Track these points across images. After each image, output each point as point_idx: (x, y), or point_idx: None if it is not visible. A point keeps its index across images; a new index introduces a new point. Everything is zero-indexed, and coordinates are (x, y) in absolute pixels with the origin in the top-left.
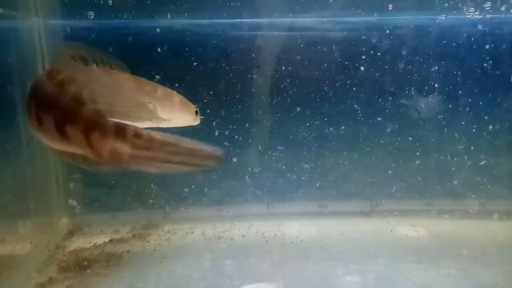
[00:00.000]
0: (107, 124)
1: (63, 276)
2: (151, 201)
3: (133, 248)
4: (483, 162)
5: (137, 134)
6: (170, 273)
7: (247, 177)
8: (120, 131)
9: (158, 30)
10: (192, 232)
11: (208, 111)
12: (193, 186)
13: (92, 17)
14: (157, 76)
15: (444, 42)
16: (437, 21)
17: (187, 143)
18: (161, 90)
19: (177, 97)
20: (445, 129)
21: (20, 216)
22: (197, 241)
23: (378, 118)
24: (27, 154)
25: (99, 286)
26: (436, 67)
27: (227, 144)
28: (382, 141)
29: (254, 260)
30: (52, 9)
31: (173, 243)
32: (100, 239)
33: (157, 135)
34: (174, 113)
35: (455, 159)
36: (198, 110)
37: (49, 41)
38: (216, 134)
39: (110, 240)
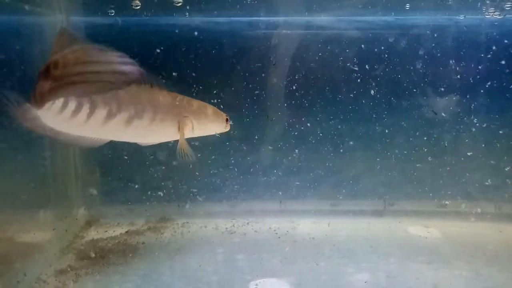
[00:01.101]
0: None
1: (81, 264)
2: (166, 195)
3: (148, 240)
4: (500, 164)
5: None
6: (183, 265)
7: (260, 174)
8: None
9: (176, 27)
10: (206, 227)
11: (222, 107)
12: (207, 181)
13: (112, 14)
14: (174, 73)
15: (462, 42)
16: (456, 21)
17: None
18: (196, 103)
19: (210, 109)
20: (461, 130)
21: (40, 205)
22: (210, 236)
23: (394, 118)
24: (47, 146)
25: (115, 274)
26: (453, 67)
27: (242, 140)
28: (397, 141)
29: (266, 255)
30: (75, 6)
31: (186, 236)
32: (117, 231)
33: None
34: (208, 124)
35: (471, 160)
36: (228, 118)
37: None
38: (232, 132)
39: (126, 232)
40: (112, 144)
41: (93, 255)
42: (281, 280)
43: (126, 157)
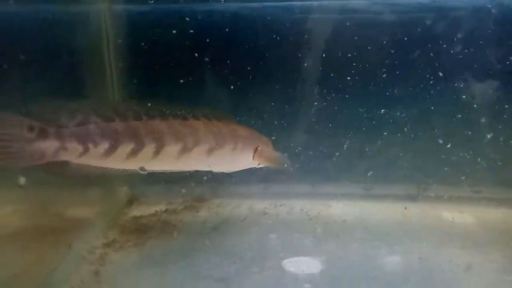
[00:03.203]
0: None
1: (125, 238)
2: (202, 176)
3: (185, 219)
4: None
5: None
6: (218, 242)
7: (293, 157)
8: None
9: (211, 14)
10: (240, 207)
11: (258, 92)
12: None
13: (152, 1)
14: (206, 59)
15: (503, 24)
16: (498, 2)
17: None
18: (264, 138)
19: (267, 139)
20: (499, 115)
21: (87, 184)
22: (244, 215)
23: (430, 102)
24: None
25: (155, 248)
26: (492, 51)
27: (275, 123)
28: (432, 126)
29: (297, 235)
30: None
31: (221, 216)
32: (156, 209)
33: None
34: (271, 155)
35: (509, 146)
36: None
37: (114, 25)
38: (265, 116)
39: (165, 210)
40: None
41: (136, 230)
42: (313, 259)
43: None
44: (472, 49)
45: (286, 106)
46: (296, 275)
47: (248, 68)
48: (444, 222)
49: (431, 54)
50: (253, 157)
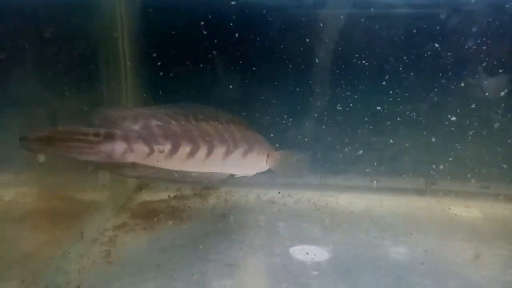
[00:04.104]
0: None
1: (135, 222)
2: None
3: (194, 205)
4: None
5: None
6: (227, 228)
7: (302, 148)
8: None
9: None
10: (248, 195)
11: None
12: None
13: None
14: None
15: None
16: None
17: None
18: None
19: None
20: (508, 112)
21: (98, 169)
22: (252, 204)
23: (440, 96)
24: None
25: (164, 231)
26: (506, 46)
27: (285, 114)
28: (442, 120)
29: (305, 224)
30: None
31: (230, 203)
32: (165, 195)
33: None
34: (287, 161)
35: None
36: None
37: (128, 9)
38: (274, 101)
39: (174, 196)
40: None
41: (145, 215)
42: (320, 247)
43: None
44: (484, 44)
45: (294, 96)
46: (303, 262)
47: (259, 57)
48: (451, 216)
49: (444, 48)
50: (265, 162)
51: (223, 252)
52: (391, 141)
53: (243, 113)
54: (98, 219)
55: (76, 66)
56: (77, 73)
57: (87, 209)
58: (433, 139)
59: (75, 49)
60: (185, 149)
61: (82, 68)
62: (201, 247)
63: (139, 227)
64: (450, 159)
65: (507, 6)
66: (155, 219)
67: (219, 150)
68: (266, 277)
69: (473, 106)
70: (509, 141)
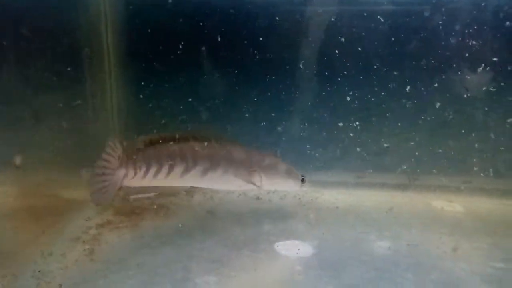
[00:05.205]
0: None
1: (119, 219)
2: None
3: (180, 202)
4: None
5: None
6: (212, 225)
7: (288, 144)
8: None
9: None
10: (233, 192)
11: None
12: None
13: None
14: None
15: (499, 16)
16: None
17: None
18: (268, 159)
19: (283, 166)
20: (492, 107)
21: (82, 165)
22: (237, 201)
23: (424, 93)
24: (90, 110)
25: (149, 229)
26: (488, 43)
27: (272, 112)
28: (426, 116)
29: (291, 221)
30: None
31: (215, 201)
32: (150, 192)
33: None
34: (277, 180)
35: (500, 137)
36: (304, 178)
37: (112, 5)
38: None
39: (159, 193)
40: (150, 115)
41: (129, 212)
42: (305, 242)
43: (163, 124)
44: (467, 41)
45: (279, 93)
46: (287, 257)
47: (245, 55)
48: (433, 210)
49: (428, 46)
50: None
51: (208, 249)
52: (375, 138)
53: (227, 109)
54: (81, 217)
55: (59, 62)
56: (60, 69)
57: (70, 207)
58: (416, 135)
59: (59, 45)
60: (180, 168)
61: (65, 64)
62: (185, 244)
63: (123, 224)
64: (433, 154)
65: (484, 4)
66: (139, 216)
67: (219, 170)
68: (251, 273)
69: (455, 101)
70: (491, 136)
